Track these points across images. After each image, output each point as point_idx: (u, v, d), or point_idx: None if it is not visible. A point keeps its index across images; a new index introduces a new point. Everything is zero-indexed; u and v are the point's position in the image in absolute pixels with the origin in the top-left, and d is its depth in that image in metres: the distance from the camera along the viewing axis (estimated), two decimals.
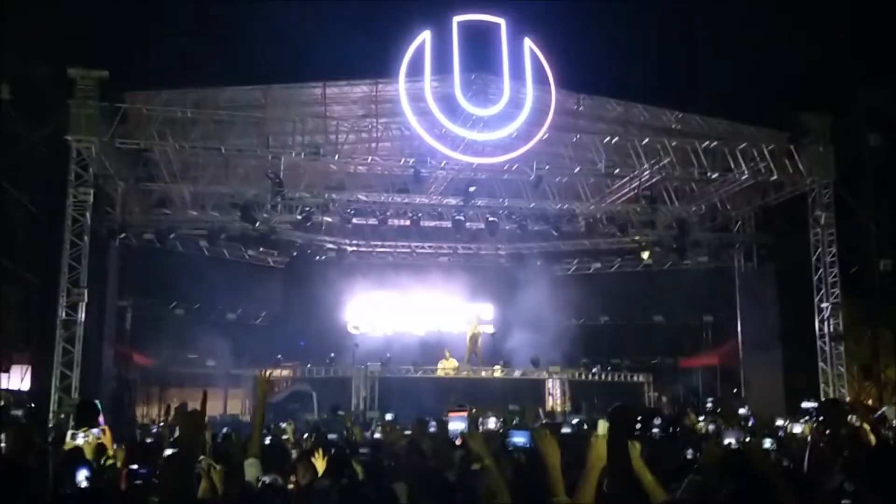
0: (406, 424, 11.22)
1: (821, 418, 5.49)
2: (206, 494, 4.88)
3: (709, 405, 17.87)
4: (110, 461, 5.89)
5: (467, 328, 23.47)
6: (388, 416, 14.81)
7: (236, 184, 19.55)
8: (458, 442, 4.64)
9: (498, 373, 21.77)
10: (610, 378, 22.55)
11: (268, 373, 7.08)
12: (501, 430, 10.43)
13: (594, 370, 22.75)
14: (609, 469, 3.28)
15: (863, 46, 21.48)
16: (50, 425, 13.14)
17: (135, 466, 5.16)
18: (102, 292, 18.01)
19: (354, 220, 21.10)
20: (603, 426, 3.49)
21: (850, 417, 6.69)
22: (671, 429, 3.31)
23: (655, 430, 3.28)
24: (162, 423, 16.29)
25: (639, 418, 3.41)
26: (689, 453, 5.58)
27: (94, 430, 6.31)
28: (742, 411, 15.88)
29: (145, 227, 20.33)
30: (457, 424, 4.47)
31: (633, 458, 3.80)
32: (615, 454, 3.25)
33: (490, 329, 25.04)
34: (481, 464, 4.47)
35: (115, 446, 6.20)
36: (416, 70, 17.42)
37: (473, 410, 13.02)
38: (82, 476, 5.16)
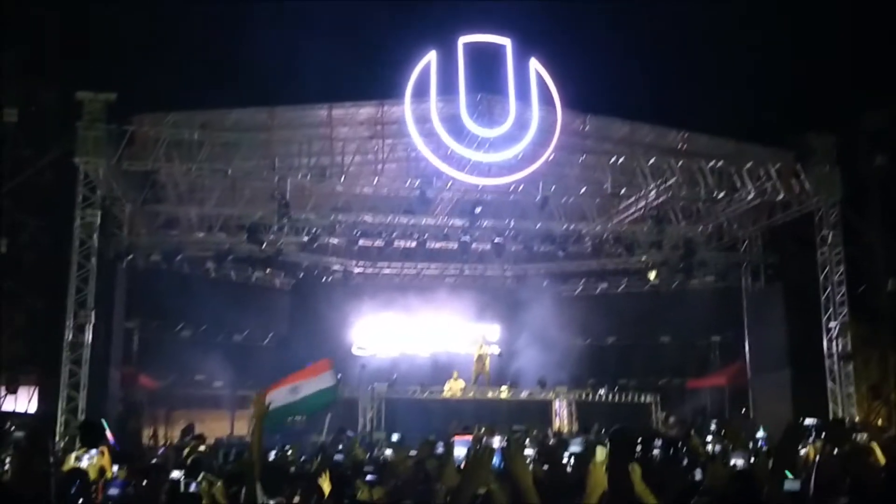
0: (412, 446, 11.17)
1: (824, 436, 5.44)
2: None
3: (713, 427, 17.72)
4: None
5: (474, 349, 23.40)
6: (395, 437, 14.73)
7: (243, 205, 19.62)
8: (463, 466, 4.58)
9: (504, 394, 21.68)
10: (617, 399, 22.43)
11: (263, 394, 7.02)
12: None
13: (601, 391, 22.63)
14: (610, 493, 3.25)
15: (868, 67, 21.55)
16: (57, 447, 13.10)
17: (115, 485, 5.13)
18: (109, 314, 18.01)
19: (360, 242, 21.10)
20: (601, 452, 3.46)
21: (855, 436, 6.64)
22: (672, 451, 3.26)
23: (656, 452, 3.23)
24: (168, 445, 16.25)
25: (639, 441, 3.39)
26: (697, 474, 5.53)
27: (93, 452, 6.28)
28: (760, 434, 15.68)
29: (152, 248, 20.38)
30: (462, 449, 4.39)
31: (634, 481, 3.76)
32: (616, 477, 3.21)
33: (496, 350, 24.96)
34: (487, 488, 4.42)
35: (115, 468, 6.17)
36: (421, 91, 17.49)
37: (482, 430, 12.97)
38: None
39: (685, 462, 4.50)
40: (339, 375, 21.17)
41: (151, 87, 19.86)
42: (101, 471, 6.31)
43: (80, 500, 5.16)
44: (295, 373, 7.16)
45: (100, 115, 16.58)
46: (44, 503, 4.76)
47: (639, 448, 3.33)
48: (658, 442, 3.28)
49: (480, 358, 22.90)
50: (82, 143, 16.57)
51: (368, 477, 6.80)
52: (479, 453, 3.61)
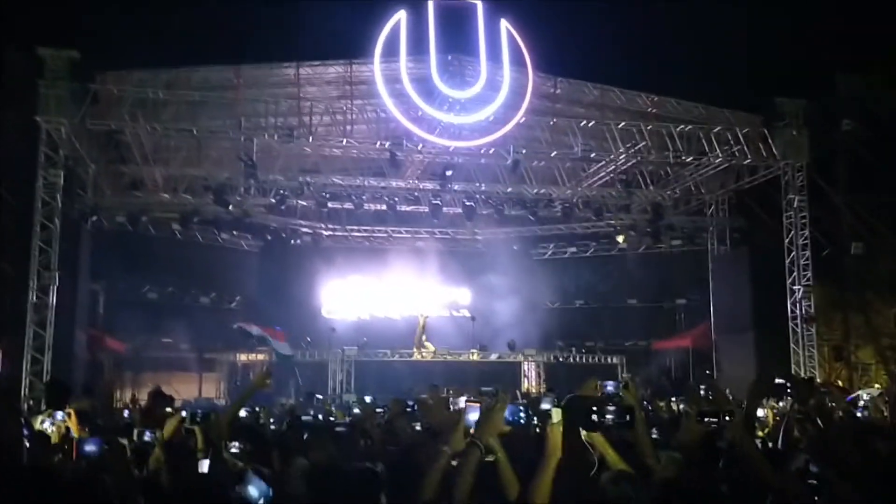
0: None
1: (792, 393, 5.53)
2: (157, 465, 4.86)
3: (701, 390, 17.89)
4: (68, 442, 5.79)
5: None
6: (367, 399, 14.75)
7: (209, 166, 19.37)
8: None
9: (475, 356, 21.78)
10: (584, 360, 22.66)
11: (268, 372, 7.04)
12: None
13: (569, 353, 22.86)
14: (564, 461, 3.25)
15: (839, 32, 21.65)
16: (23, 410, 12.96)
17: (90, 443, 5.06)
18: (74, 276, 17.76)
19: (330, 205, 20.97)
20: (556, 414, 3.45)
21: (821, 395, 6.76)
22: (627, 415, 3.29)
23: (610, 417, 3.24)
24: (133, 409, 16.14)
25: (594, 407, 3.38)
26: (654, 433, 5.50)
27: (59, 415, 6.19)
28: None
29: (117, 209, 20.12)
30: (475, 415, 4.38)
31: (594, 439, 3.79)
32: (570, 445, 3.22)
33: (467, 313, 25.05)
34: (495, 456, 4.41)
35: (83, 430, 6.09)
36: (391, 51, 17.28)
37: (449, 392, 13.00)
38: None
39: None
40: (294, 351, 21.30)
41: (115, 45, 19.42)
42: (69, 432, 6.21)
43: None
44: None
45: (62, 73, 16.22)
46: (19, 465, 4.70)
47: (594, 415, 3.30)
48: (612, 407, 3.30)
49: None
50: (45, 102, 16.22)
51: (338, 429, 6.80)
52: (487, 407, 3.61)
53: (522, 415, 3.44)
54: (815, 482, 3.17)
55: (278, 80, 18.62)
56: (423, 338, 22.15)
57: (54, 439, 6.35)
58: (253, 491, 4.69)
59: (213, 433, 5.19)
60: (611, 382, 4.50)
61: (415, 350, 21.68)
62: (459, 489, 3.41)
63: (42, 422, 6.75)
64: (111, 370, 21.03)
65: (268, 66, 18.49)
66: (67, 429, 6.50)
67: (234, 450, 5.51)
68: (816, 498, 3.07)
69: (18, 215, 17.23)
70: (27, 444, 5.15)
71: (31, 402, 14.90)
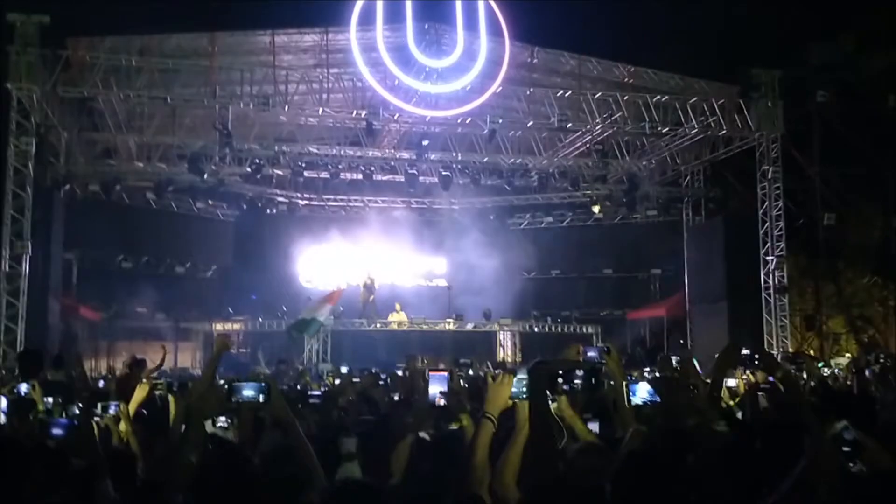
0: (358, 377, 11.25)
1: (759, 364, 5.61)
2: (122, 440, 4.86)
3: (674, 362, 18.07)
4: (41, 415, 5.77)
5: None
6: (343, 369, 14.79)
7: (183, 135, 19.22)
8: (438, 403, 4.56)
9: (450, 325, 21.88)
10: (559, 330, 22.83)
11: (227, 332, 7.02)
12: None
13: (544, 322, 23.03)
14: (531, 427, 3.28)
15: (815, 2, 21.67)
16: None
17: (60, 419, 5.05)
18: (47, 244, 17.59)
19: (306, 174, 20.88)
20: (510, 381, 3.50)
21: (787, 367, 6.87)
22: (594, 380, 3.33)
23: (578, 382, 3.27)
24: (108, 378, 16.08)
25: (560, 373, 3.41)
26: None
27: (23, 387, 6.15)
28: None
29: (90, 178, 19.95)
30: (436, 386, 4.37)
31: (562, 409, 3.83)
32: (537, 411, 3.25)
33: (443, 282, 25.13)
34: (459, 423, 4.45)
35: (48, 400, 6.06)
36: (367, 19, 17.14)
37: (424, 362, 13.08)
38: None
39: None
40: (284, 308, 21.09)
41: (87, 10, 19.06)
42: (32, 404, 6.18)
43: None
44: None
45: (33, 39, 15.93)
46: None
47: (560, 380, 3.33)
48: (579, 372, 3.33)
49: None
50: (15, 68, 15.95)
51: (312, 401, 6.83)
52: (499, 385, 3.62)
53: (524, 389, 3.45)
54: (849, 449, 3.20)
55: (253, 48, 18.42)
56: (371, 298, 22.08)
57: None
58: None
59: (200, 406, 5.15)
60: (593, 349, 4.55)
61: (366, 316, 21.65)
62: (474, 464, 3.43)
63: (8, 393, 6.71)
64: (85, 339, 20.92)
65: (242, 33, 18.28)
66: (33, 402, 6.46)
67: (221, 424, 5.26)
68: (851, 465, 3.09)
69: None
70: None
71: (4, 372, 14.79)
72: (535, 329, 22.69)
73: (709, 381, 4.94)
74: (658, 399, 4.30)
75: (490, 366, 16.37)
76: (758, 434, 3.98)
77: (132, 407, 5.44)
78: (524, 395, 3.48)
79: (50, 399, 5.79)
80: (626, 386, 4.38)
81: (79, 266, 21.20)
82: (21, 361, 9.51)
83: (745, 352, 5.18)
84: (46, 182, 17.95)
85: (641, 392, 4.36)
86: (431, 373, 3.95)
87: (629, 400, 4.33)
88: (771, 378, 5.30)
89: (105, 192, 20.03)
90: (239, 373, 13.55)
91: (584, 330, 22.92)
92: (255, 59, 18.22)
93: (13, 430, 5.29)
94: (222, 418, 5.29)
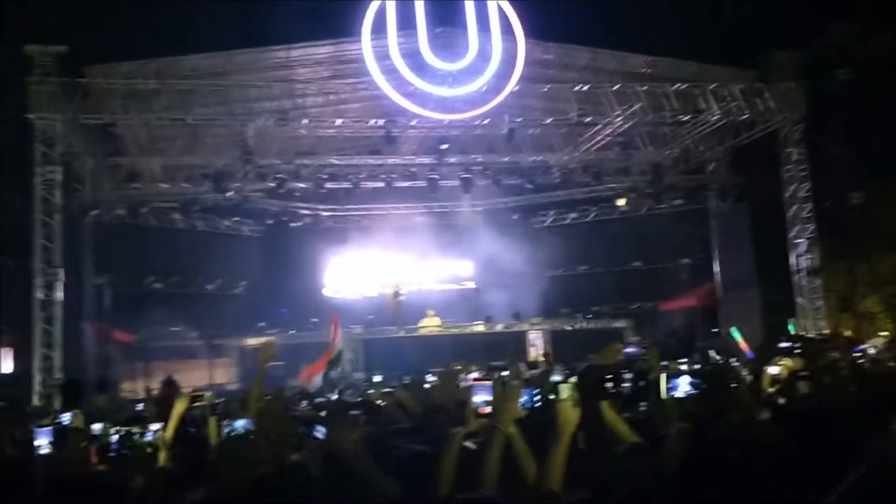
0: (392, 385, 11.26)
1: (801, 352, 5.54)
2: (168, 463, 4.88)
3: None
4: (83, 443, 5.81)
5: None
6: (377, 379, 14.83)
7: (205, 154, 19.33)
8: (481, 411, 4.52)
9: (480, 328, 21.85)
10: (590, 326, 22.72)
11: (270, 341, 7.03)
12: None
13: (575, 319, 22.93)
14: (582, 433, 3.25)
15: None
16: (32, 406, 13.04)
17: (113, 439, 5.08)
18: (78, 271, 17.81)
19: (327, 185, 20.93)
20: (565, 390, 3.44)
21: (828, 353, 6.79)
22: (644, 381, 3.27)
23: (627, 385, 3.23)
24: (147, 400, 16.22)
25: (608, 376, 3.37)
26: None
27: (65, 417, 6.19)
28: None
29: (117, 202, 20.16)
30: (481, 396, 4.34)
31: (604, 412, 3.79)
32: (586, 415, 3.21)
33: (471, 285, 25.12)
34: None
35: (95, 427, 6.11)
36: (380, 27, 17.13)
37: (458, 367, 13.03)
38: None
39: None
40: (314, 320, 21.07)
41: (101, 37, 19.26)
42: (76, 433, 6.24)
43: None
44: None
45: (51, 69, 16.12)
46: (30, 467, 4.73)
47: (609, 384, 3.29)
48: (628, 374, 3.28)
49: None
50: (35, 99, 16.15)
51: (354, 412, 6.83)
52: (503, 391, 3.59)
53: (538, 398, 3.41)
54: None
55: (269, 64, 18.48)
56: (400, 305, 22.20)
57: None
58: None
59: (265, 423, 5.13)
60: (632, 346, 4.52)
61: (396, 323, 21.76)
62: (485, 475, 3.41)
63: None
64: (121, 363, 21.11)
65: (257, 50, 18.35)
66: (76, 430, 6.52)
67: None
68: None
69: (18, 213, 17.24)
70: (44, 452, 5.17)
71: (44, 400, 14.99)
72: (566, 327, 22.59)
73: (750, 372, 4.89)
74: (698, 392, 4.24)
75: (524, 367, 16.28)
76: (797, 422, 3.91)
77: (172, 423, 5.47)
78: (537, 403, 3.44)
79: (97, 426, 5.82)
80: (665, 379, 4.32)
81: (110, 290, 21.41)
82: (63, 392, 9.62)
83: (784, 345, 5.13)
84: (74, 209, 18.15)
85: (683, 385, 4.30)
86: (475, 383, 3.91)
87: (668, 393, 4.27)
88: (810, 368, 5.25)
89: (132, 216, 20.28)
90: (278, 387, 13.65)
91: (616, 325, 22.79)
92: (271, 75, 18.31)
93: (60, 461, 5.32)
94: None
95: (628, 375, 3.41)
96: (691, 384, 4.25)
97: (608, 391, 3.38)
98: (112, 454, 4.85)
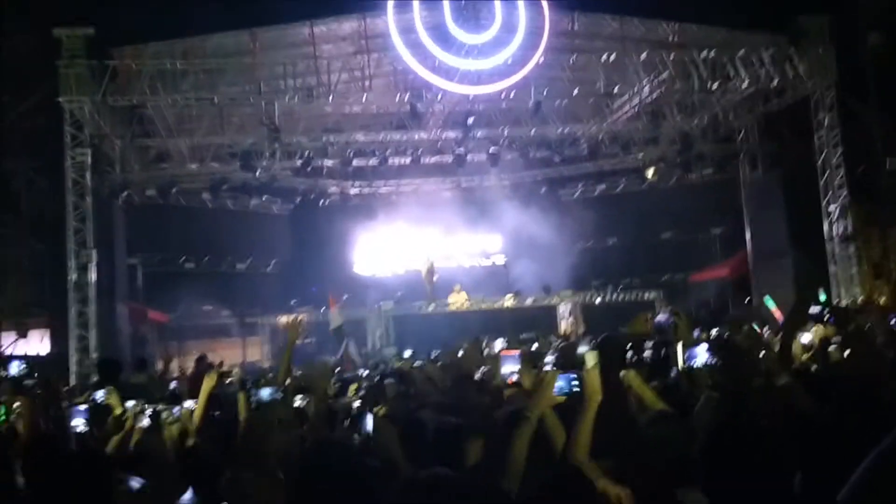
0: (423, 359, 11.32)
1: (831, 319, 5.47)
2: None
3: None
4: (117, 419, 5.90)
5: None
6: (407, 353, 14.89)
7: (233, 133, 19.45)
8: (510, 381, 4.50)
9: (510, 302, 21.83)
10: (621, 298, 22.60)
11: (298, 318, 7.09)
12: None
13: (605, 292, 22.83)
14: (604, 403, 3.22)
15: None
16: (70, 386, 13.26)
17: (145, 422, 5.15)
18: (110, 252, 18.06)
19: (355, 162, 20.99)
20: (591, 358, 3.40)
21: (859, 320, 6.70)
22: (664, 351, 3.25)
23: (648, 354, 3.20)
24: (180, 378, 16.45)
25: (628, 346, 3.35)
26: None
27: (99, 393, 6.28)
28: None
29: (147, 183, 20.36)
30: (509, 366, 4.31)
31: (631, 380, 3.75)
32: (608, 386, 3.19)
33: (500, 260, 25.09)
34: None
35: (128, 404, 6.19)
36: (403, 1, 17.04)
37: (485, 341, 13.04)
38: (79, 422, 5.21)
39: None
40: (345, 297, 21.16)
41: (128, 19, 19.36)
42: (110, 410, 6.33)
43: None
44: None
45: (79, 52, 16.23)
46: (64, 444, 4.82)
47: (629, 353, 3.27)
48: (649, 343, 3.26)
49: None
50: (64, 82, 16.27)
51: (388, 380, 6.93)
52: (540, 384, 3.54)
53: (576, 384, 3.34)
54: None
55: (293, 41, 18.47)
56: (434, 281, 22.26)
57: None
58: None
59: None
60: (662, 314, 4.49)
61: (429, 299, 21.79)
62: (512, 463, 3.36)
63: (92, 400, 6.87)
64: (155, 342, 21.44)
65: (281, 27, 18.34)
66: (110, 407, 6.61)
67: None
68: None
69: (52, 196, 17.48)
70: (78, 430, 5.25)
71: (81, 380, 15.24)
72: (597, 300, 22.51)
73: (780, 340, 4.83)
74: (719, 361, 4.20)
75: (552, 340, 16.28)
76: (828, 389, 3.88)
77: (201, 400, 5.54)
78: (574, 389, 3.40)
79: (130, 402, 5.90)
80: (682, 349, 4.28)
81: (143, 270, 21.70)
82: (101, 369, 9.75)
83: (814, 310, 5.07)
84: (104, 191, 18.36)
85: (701, 355, 4.26)
86: (503, 353, 3.90)
87: (686, 363, 4.23)
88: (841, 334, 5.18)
89: (162, 196, 20.49)
90: (308, 363, 13.79)
91: (646, 296, 22.65)
92: (296, 52, 18.28)
93: (94, 437, 5.42)
94: None
95: (648, 345, 3.39)
96: (709, 353, 4.22)
97: (628, 361, 3.36)
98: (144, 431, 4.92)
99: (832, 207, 19.36)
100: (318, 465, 2.91)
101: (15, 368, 5.92)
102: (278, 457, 3.69)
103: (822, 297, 16.28)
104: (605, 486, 2.86)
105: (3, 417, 5.60)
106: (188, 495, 3.55)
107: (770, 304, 12.22)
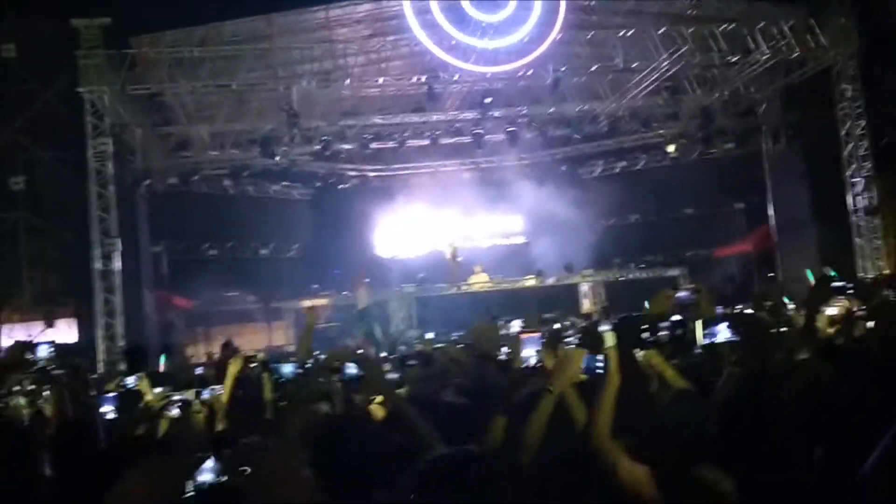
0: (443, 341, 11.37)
1: (855, 293, 5.42)
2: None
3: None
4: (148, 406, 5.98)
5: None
6: (429, 335, 14.96)
7: (252, 119, 19.50)
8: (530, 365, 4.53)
9: (532, 282, 21.81)
10: (644, 275, 22.52)
11: (314, 306, 7.18)
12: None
13: (628, 269, 22.75)
14: (622, 384, 3.22)
15: None
16: (98, 374, 13.44)
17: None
18: (135, 240, 18.21)
19: (373, 145, 20.98)
20: (610, 338, 3.39)
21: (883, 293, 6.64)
22: (680, 329, 3.24)
23: (664, 334, 3.19)
24: (207, 364, 16.62)
25: (644, 326, 3.33)
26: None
27: (130, 379, 6.37)
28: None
29: (168, 171, 20.48)
30: (530, 348, 4.33)
31: (651, 358, 3.74)
32: (627, 365, 3.19)
33: (521, 240, 25.07)
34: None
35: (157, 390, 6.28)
36: None
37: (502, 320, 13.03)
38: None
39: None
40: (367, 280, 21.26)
41: (144, 8, 19.45)
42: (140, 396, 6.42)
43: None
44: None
45: (98, 42, 16.32)
46: (93, 432, 4.90)
47: (646, 333, 3.26)
48: (665, 323, 3.25)
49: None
50: (84, 72, 16.40)
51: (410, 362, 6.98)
52: (565, 359, 3.54)
53: (600, 364, 3.35)
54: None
55: (309, 25, 18.45)
56: (458, 261, 22.30)
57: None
58: None
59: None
60: (683, 290, 4.46)
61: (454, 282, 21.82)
62: (529, 438, 3.37)
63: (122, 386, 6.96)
64: (182, 328, 21.65)
65: (297, 11, 18.32)
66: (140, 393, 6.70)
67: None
68: None
69: (74, 185, 17.64)
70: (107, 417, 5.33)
71: (109, 366, 15.43)
72: (620, 277, 22.43)
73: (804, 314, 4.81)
74: (740, 337, 4.19)
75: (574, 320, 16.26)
76: (852, 362, 3.86)
77: (227, 384, 5.60)
78: (598, 370, 3.40)
79: (159, 389, 5.99)
80: (702, 326, 4.26)
81: (167, 258, 21.89)
82: (128, 356, 9.87)
83: (836, 284, 5.03)
84: (127, 180, 18.49)
85: (722, 332, 4.24)
86: (523, 335, 3.90)
87: (705, 340, 4.22)
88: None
89: (184, 184, 20.62)
90: (331, 347, 13.88)
91: (670, 273, 22.55)
92: (312, 37, 18.27)
93: (125, 423, 5.49)
94: None
95: (665, 324, 3.37)
96: (730, 329, 4.19)
97: (645, 340, 3.35)
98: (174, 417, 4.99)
99: (855, 179, 19.15)
100: (341, 441, 2.95)
101: (44, 351, 5.98)
102: (302, 429, 3.72)
103: (833, 274, 16.11)
104: (626, 465, 2.88)
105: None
106: (210, 462, 3.61)
107: (811, 277, 12.12)
